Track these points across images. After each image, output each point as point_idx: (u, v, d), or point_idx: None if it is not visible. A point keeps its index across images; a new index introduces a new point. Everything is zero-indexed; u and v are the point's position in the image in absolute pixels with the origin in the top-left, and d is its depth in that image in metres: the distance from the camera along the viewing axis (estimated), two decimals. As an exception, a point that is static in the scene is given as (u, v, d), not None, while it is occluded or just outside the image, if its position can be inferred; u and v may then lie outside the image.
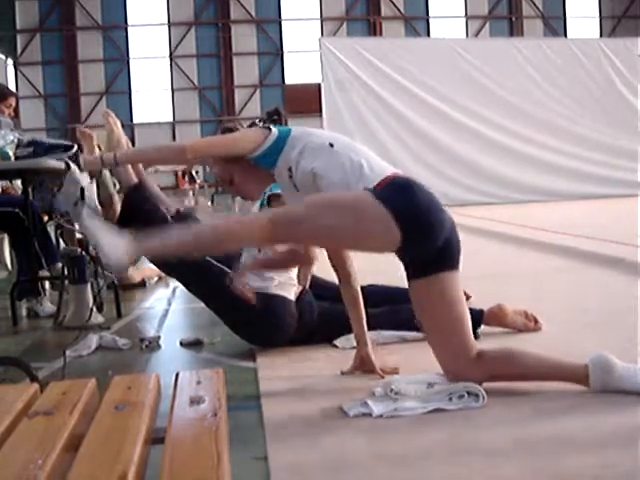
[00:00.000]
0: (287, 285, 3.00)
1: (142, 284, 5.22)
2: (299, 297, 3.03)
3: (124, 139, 3.39)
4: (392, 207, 2.11)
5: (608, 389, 2.11)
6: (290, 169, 2.40)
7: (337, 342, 3.05)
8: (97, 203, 4.46)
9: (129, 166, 3.19)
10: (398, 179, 2.27)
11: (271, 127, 2.48)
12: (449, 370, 2.21)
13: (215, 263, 2.94)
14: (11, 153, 3.57)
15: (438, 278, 2.18)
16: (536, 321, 3.20)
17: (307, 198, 2.25)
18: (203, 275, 2.98)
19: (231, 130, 2.70)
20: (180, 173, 18.36)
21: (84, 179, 3.77)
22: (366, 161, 2.33)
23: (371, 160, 2.36)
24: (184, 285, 3.29)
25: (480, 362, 2.17)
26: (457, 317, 2.21)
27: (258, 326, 2.95)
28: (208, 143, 2.70)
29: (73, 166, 3.59)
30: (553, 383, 2.20)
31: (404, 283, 2.33)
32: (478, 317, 2.95)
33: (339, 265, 2.55)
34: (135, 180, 3.23)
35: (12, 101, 4.68)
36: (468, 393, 2.13)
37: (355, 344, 2.64)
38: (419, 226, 2.14)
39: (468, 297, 3.68)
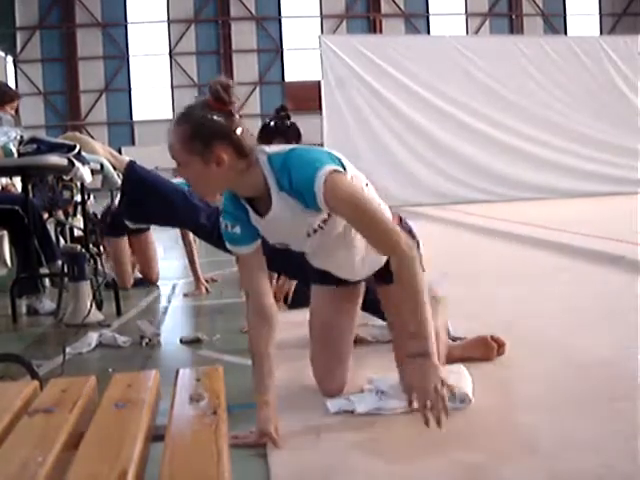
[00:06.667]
0: None
1: (142, 281, 5.21)
2: None
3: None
4: None
5: None
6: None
7: None
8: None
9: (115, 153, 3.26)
10: None
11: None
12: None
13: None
14: (14, 150, 3.57)
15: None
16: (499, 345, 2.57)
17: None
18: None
19: None
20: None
21: (87, 176, 3.78)
22: None
23: None
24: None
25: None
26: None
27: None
28: None
29: (77, 164, 3.60)
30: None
31: None
32: None
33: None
34: (128, 159, 3.27)
35: (16, 103, 4.71)
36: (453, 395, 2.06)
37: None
38: None
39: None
